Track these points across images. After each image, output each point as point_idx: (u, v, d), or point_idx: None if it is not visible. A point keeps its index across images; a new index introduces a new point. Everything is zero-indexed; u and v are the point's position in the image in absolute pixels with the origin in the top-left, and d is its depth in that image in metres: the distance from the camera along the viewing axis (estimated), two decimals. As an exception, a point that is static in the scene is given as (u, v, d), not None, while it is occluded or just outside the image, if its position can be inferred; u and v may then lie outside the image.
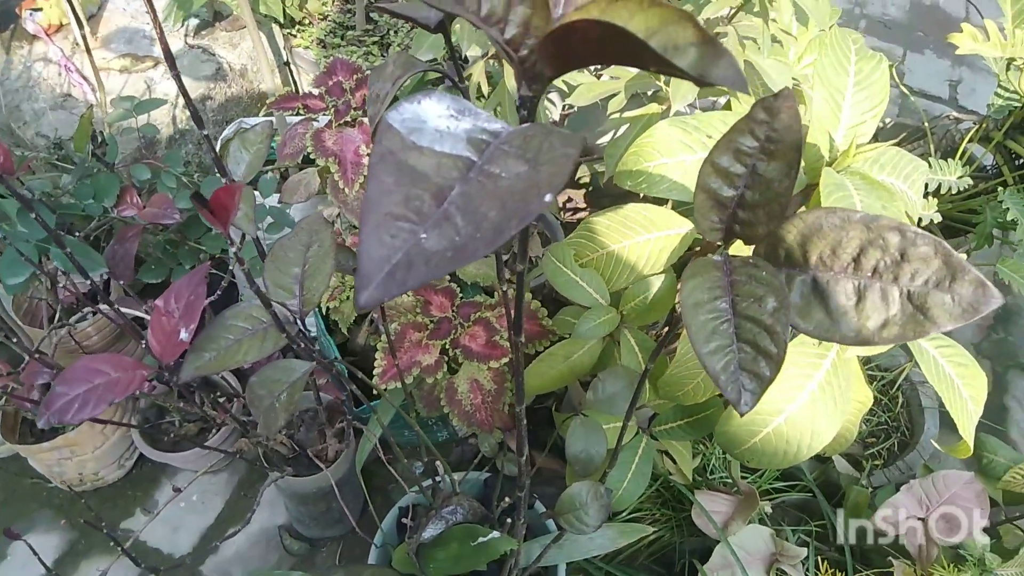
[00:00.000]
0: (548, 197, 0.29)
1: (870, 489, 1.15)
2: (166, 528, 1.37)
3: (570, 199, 1.81)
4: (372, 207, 0.28)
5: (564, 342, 0.99)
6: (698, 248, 1.13)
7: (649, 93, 1.15)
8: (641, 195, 1.19)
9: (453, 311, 1.08)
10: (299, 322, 0.67)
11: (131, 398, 1.35)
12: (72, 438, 1.26)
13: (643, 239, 0.93)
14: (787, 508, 1.23)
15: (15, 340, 1.10)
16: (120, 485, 1.43)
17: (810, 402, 0.80)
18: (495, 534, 0.83)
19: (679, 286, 0.45)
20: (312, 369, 0.68)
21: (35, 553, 0.81)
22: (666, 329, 1.38)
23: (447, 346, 1.05)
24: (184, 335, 0.59)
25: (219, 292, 1.03)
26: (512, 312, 0.51)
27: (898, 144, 0.93)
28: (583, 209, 1.79)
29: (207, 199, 0.41)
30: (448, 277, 1.16)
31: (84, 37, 1.37)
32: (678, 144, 0.75)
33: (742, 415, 0.44)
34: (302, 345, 0.64)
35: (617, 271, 0.93)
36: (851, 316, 0.45)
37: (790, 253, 0.47)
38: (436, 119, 0.33)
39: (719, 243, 0.48)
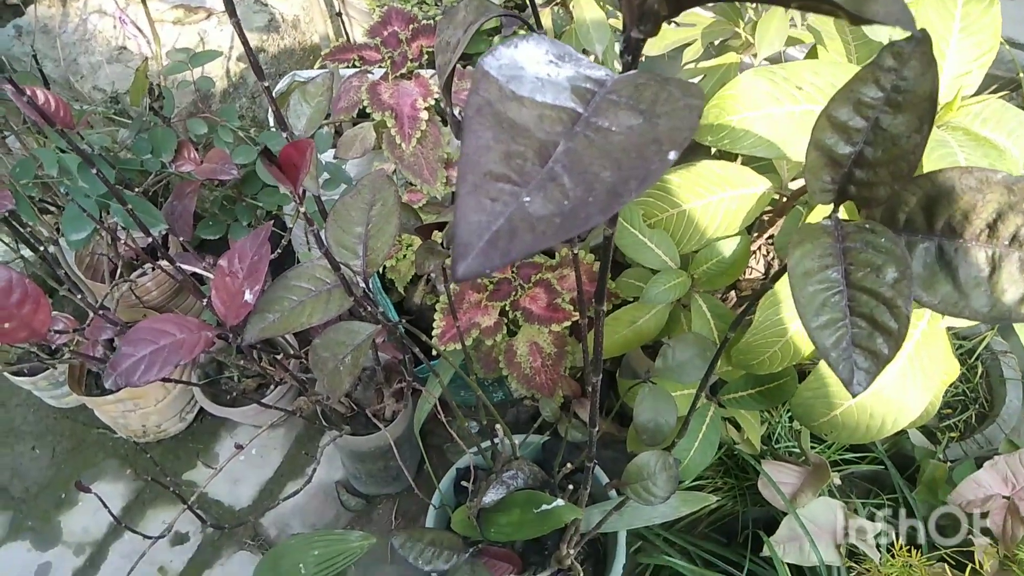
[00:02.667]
0: (672, 154, 0.25)
1: (947, 463, 1.09)
2: (227, 481, 1.40)
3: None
4: (470, 166, 0.25)
5: (629, 306, 0.95)
6: (770, 211, 1.07)
7: (716, 43, 1.07)
8: (713, 151, 1.13)
9: (513, 272, 1.05)
10: (363, 283, 0.65)
11: (191, 353, 1.36)
12: (135, 391, 1.29)
13: (717, 198, 0.88)
14: (856, 480, 1.18)
15: (79, 295, 1.12)
16: (182, 438, 1.46)
17: (899, 375, 0.74)
18: (559, 502, 0.81)
19: (788, 255, 0.41)
20: (376, 332, 0.66)
21: (104, 504, 0.82)
22: (732, 293, 1.33)
23: (507, 308, 1.02)
24: (248, 296, 0.57)
25: (279, 250, 1.01)
26: (580, 277, 0.47)
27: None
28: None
29: (275, 156, 0.38)
30: (507, 236, 1.13)
31: (138, -12, 1.35)
32: (764, 96, 0.70)
33: (854, 395, 0.40)
34: (367, 308, 0.62)
35: (688, 232, 0.88)
36: (983, 289, 0.40)
37: (911, 218, 0.42)
38: (535, 65, 0.29)
39: (830, 206, 0.43)
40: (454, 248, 0.24)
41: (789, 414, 1.21)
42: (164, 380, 0.87)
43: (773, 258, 1.62)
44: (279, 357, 0.97)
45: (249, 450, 1.43)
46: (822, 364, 0.76)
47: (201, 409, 1.46)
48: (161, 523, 1.36)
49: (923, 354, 0.76)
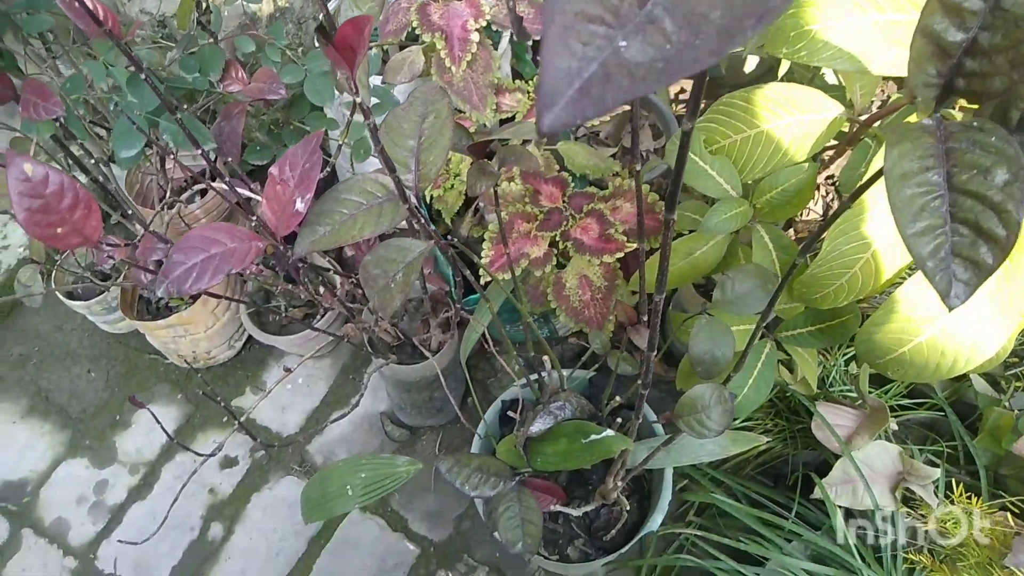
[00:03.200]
0: (793, -9, 0.22)
1: (1015, 412, 1.05)
2: (275, 408, 1.42)
3: (683, 90, 1.67)
4: (558, 5, 0.22)
5: (685, 238, 0.92)
6: (833, 146, 1.02)
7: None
8: (780, 76, 1.07)
9: (564, 202, 1.02)
10: (414, 199, 0.63)
11: (239, 280, 1.37)
12: (185, 317, 1.30)
13: (784, 123, 0.83)
14: (912, 427, 1.15)
15: (131, 221, 1.12)
16: (230, 365, 1.48)
17: (975, 309, 0.70)
18: (609, 432, 0.80)
19: (885, 155, 0.37)
20: (429, 248, 0.64)
21: (158, 421, 0.83)
22: (790, 232, 1.28)
23: (557, 238, 0.99)
24: (300, 205, 0.55)
25: (326, 171, 1.00)
26: (641, 194, 0.44)
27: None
28: (698, 101, 1.66)
29: (330, 33, 0.35)
30: (558, 165, 1.09)
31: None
32: (847, 2, 0.64)
33: (951, 309, 0.36)
34: (421, 220, 0.60)
35: (752, 159, 0.84)
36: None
37: (1027, 116, 0.38)
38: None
39: (932, 102, 0.39)
40: (539, 98, 0.21)
41: (845, 357, 1.18)
42: (215, 296, 0.87)
43: (832, 199, 1.55)
44: (329, 280, 0.97)
45: (296, 379, 1.44)
46: (894, 296, 0.72)
47: (249, 337, 1.47)
48: (212, 443, 1.39)
49: (1005, 289, 0.71)
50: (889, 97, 1.32)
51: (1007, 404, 1.08)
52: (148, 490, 1.36)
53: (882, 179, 0.47)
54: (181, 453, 1.39)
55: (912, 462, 0.97)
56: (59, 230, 0.56)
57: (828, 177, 1.45)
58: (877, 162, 1.02)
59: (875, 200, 0.72)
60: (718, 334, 0.77)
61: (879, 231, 0.72)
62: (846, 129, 0.97)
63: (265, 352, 1.48)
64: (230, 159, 0.90)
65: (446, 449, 1.35)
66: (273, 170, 0.57)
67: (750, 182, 0.87)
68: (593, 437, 0.80)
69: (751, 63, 1.44)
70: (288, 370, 0.92)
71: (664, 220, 0.45)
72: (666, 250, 0.49)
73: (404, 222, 0.66)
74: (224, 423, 1.42)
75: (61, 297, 1.36)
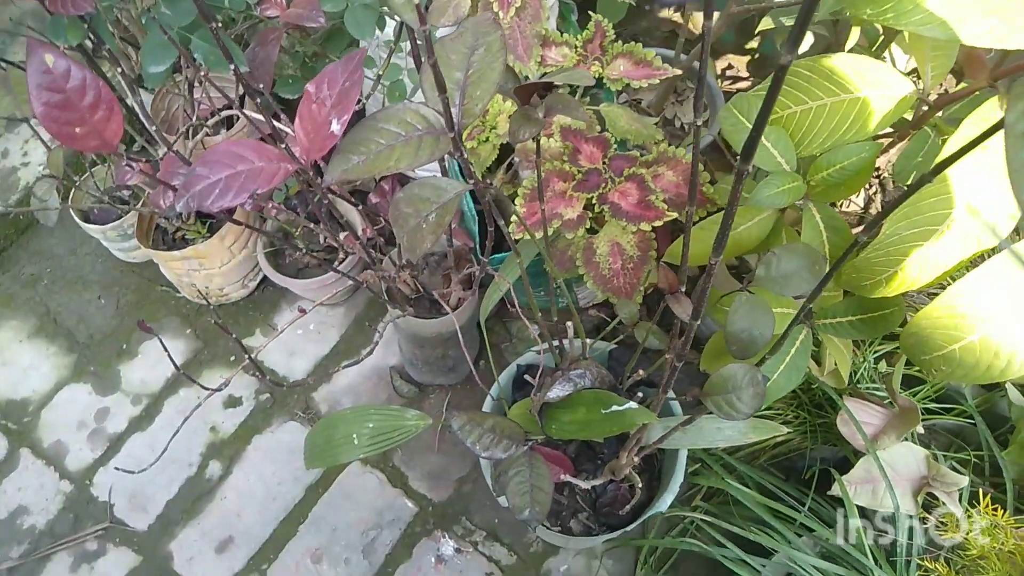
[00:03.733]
0: None
1: (1049, 426, 1.00)
2: (284, 352, 1.40)
3: (731, 66, 1.61)
4: None
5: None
6: (889, 133, 0.97)
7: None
8: (845, 49, 1.01)
9: (604, 163, 0.97)
10: (456, 135, 0.59)
11: (259, 220, 1.34)
12: (201, 250, 1.27)
13: (848, 98, 0.78)
14: (939, 432, 1.11)
15: (154, 137, 1.09)
16: (243, 305, 1.45)
17: (1040, 311, 0.66)
18: (632, 404, 0.76)
19: (1007, 110, 0.33)
20: (466, 191, 0.60)
21: (166, 350, 0.80)
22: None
23: (593, 201, 0.95)
24: (336, 126, 0.52)
25: (359, 105, 0.95)
26: (697, 150, 0.40)
27: None
28: (744, 79, 1.60)
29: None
30: (600, 125, 1.05)
31: None
32: (943, -35, 0.59)
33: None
34: (463, 154, 0.56)
35: (812, 133, 0.79)
36: None
37: None
38: None
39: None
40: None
41: (876, 354, 1.13)
42: (236, 223, 0.84)
43: (875, 191, 1.50)
44: (351, 224, 0.93)
45: (307, 325, 1.42)
46: (951, 290, 0.67)
47: (264, 278, 1.45)
48: (219, 380, 1.37)
49: (1071, 292, 0.67)
50: (947, 91, 1.25)
51: (1041, 418, 1.04)
52: (149, 422, 1.35)
53: (961, 160, 0.43)
54: (185, 388, 1.37)
55: (939, 467, 0.93)
56: (78, 130, 0.53)
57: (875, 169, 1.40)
58: (933, 153, 0.97)
59: (949, 181, 0.68)
60: (759, 312, 0.73)
61: (948, 217, 0.67)
62: (908, 116, 0.92)
63: (278, 294, 1.45)
64: (262, 86, 0.86)
65: (455, 410, 1.32)
66: (310, 87, 0.53)
67: (804, 158, 0.82)
68: (615, 408, 0.77)
69: (806, 42, 1.38)
70: (303, 311, 0.89)
71: (737, 171, 0.41)
72: (734, 206, 0.44)
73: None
74: (231, 362, 1.40)
75: (76, 219, 1.33)
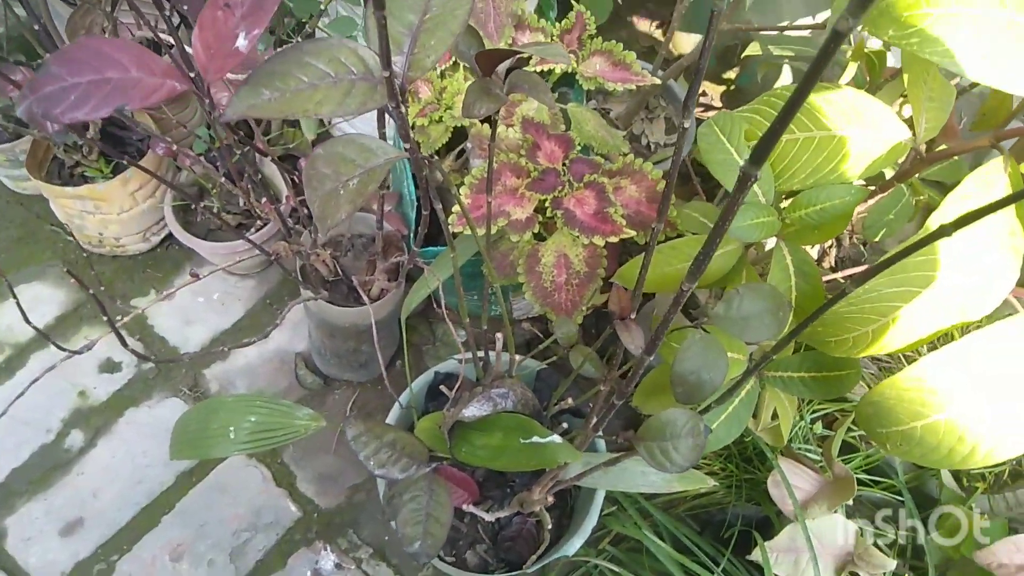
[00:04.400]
0: None
1: (979, 514, 0.96)
2: (179, 319, 1.25)
3: (705, 93, 1.55)
4: None
5: (690, 238, 0.79)
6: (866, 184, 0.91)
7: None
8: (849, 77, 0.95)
9: (564, 164, 0.88)
10: (398, 91, 0.48)
11: (173, 168, 1.20)
12: (99, 191, 1.12)
13: (842, 134, 0.71)
14: (865, 504, 1.05)
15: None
16: (141, 260, 1.30)
17: (1019, 396, 0.59)
18: (555, 438, 0.67)
19: None
20: (399, 158, 0.49)
21: (20, 309, 0.67)
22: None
23: (546, 204, 0.85)
24: (242, 41, 0.40)
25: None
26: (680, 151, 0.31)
27: None
28: (716, 108, 1.54)
29: None
30: (565, 124, 0.95)
31: None
32: (982, -6, 0.52)
33: None
34: (400, 109, 0.45)
35: (795, 166, 0.72)
36: None
37: None
38: None
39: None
40: None
41: (812, 416, 1.07)
42: (144, 170, 0.71)
43: (830, 246, 1.45)
44: (274, 189, 0.81)
45: (211, 294, 1.27)
46: (923, 362, 0.61)
47: (169, 235, 1.29)
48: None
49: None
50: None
51: (971, 505, 0.99)
52: (9, 376, 1.18)
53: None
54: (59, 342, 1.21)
55: (867, 545, 0.87)
56: None
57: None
58: (906, 213, 0.92)
59: (936, 248, 0.61)
60: (712, 354, 0.64)
61: (932, 279, 0.60)
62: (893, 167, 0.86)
63: (183, 255, 1.30)
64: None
65: (359, 410, 1.20)
66: (219, -9, 0.42)
67: (789, 192, 0.75)
68: (536, 439, 0.67)
69: (786, 75, 1.33)
70: (195, 275, 0.77)
71: (742, 174, 0.32)
72: (726, 222, 0.35)
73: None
74: (118, 321, 1.24)
75: (-41, 133, 1.16)
